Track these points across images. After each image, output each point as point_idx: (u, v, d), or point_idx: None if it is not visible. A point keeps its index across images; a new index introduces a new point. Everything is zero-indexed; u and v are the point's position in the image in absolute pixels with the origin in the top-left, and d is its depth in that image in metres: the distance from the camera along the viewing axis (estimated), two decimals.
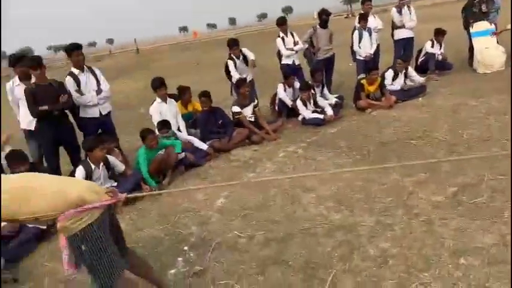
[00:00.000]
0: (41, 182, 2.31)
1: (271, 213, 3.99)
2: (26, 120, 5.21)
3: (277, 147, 5.92)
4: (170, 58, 27.54)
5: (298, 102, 6.84)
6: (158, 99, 5.90)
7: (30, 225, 3.98)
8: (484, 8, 8.33)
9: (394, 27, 8.69)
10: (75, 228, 2.21)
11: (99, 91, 5.36)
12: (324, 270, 3.00)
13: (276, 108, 7.48)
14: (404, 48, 8.54)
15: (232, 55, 7.08)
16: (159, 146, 5.29)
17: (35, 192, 2.19)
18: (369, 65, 7.51)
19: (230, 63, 7.07)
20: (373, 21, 8.30)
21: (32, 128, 5.20)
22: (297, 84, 7.43)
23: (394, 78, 7.42)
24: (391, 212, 3.66)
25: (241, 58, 7.10)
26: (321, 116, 6.66)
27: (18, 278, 3.47)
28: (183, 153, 5.56)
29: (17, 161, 4.30)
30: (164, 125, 5.68)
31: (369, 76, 7.07)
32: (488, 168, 4.14)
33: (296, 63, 7.87)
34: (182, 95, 6.49)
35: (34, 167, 4.55)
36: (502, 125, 5.24)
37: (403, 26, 8.51)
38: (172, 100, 6.10)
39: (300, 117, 6.89)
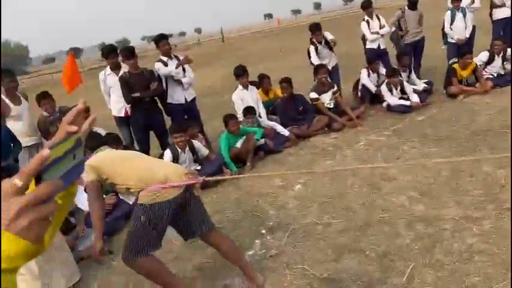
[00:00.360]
0: (137, 158, 2.70)
1: (349, 201, 3.93)
2: (117, 108, 5.63)
3: (358, 135, 5.78)
4: (254, 45, 27.92)
5: (383, 88, 6.58)
6: (240, 87, 6.05)
7: (123, 203, 4.36)
8: None
9: (493, 5, 7.93)
10: (149, 200, 2.48)
11: (183, 61, 5.63)
12: (402, 262, 2.90)
13: (359, 94, 7.27)
14: (504, 30, 7.76)
15: (314, 40, 6.98)
16: (240, 132, 5.44)
17: (131, 166, 2.58)
18: (462, 49, 6.97)
19: (311, 48, 7.00)
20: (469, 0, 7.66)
21: (122, 114, 5.62)
22: (382, 70, 7.16)
23: (489, 62, 6.81)
24: (480, 206, 3.42)
25: (323, 43, 6.98)
26: (407, 103, 6.35)
27: (112, 251, 3.82)
28: (263, 139, 5.66)
29: (112, 143, 4.69)
30: (249, 111, 5.82)
31: (462, 60, 6.57)
32: None
33: (381, 48, 7.56)
34: (261, 82, 6.59)
35: (128, 150, 4.96)
36: None
37: (503, 5, 7.73)
38: (254, 87, 6.22)
39: (384, 104, 6.63)
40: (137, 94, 5.19)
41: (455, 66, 6.61)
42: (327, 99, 6.43)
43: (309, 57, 7.12)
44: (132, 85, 5.19)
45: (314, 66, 6.63)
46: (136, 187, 2.54)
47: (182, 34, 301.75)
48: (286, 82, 6.35)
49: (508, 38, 7.62)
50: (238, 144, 5.40)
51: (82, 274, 3.46)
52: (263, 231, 3.70)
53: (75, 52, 10.66)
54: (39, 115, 5.28)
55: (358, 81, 7.30)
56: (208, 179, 3.07)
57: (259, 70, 7.32)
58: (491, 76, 6.73)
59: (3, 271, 0.63)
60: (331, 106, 6.44)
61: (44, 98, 5.06)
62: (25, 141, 4.73)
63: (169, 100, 5.69)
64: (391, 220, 3.47)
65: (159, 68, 5.54)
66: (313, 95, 6.37)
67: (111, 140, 4.69)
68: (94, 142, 3.30)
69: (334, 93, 6.47)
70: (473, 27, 7.59)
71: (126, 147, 4.98)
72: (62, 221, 1.09)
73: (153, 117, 5.41)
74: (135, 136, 5.53)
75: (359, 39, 8.14)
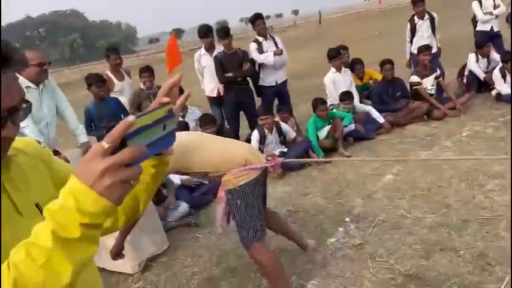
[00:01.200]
0: (213, 142, 2.64)
1: (444, 196, 3.64)
2: (209, 88, 5.76)
3: (460, 125, 5.32)
4: (352, 27, 27.00)
5: (496, 73, 5.92)
6: (333, 69, 5.87)
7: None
8: None
9: None
10: (235, 183, 2.46)
11: (278, 51, 5.60)
12: (501, 268, 2.62)
13: (465, 81, 6.66)
14: None
15: (415, 16, 6.45)
16: (328, 116, 5.30)
17: (208, 150, 2.55)
18: None
19: (408, 27, 6.49)
20: None
21: (214, 94, 5.75)
22: (494, 55, 6.46)
23: None
24: None
25: (426, 18, 6.41)
26: None
27: (199, 224, 3.98)
28: (353, 125, 5.46)
29: (207, 124, 4.85)
30: (347, 95, 5.63)
31: None
32: None
33: (495, 30, 6.84)
34: (353, 68, 6.31)
35: (221, 130, 5.09)
36: None
37: None
38: (347, 70, 5.99)
39: (493, 92, 6.00)
40: (230, 74, 5.28)
41: None
42: (428, 84, 5.99)
43: (412, 36, 6.57)
44: (226, 65, 5.29)
45: (418, 47, 6.14)
46: (213, 173, 2.52)
47: (279, 16, 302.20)
48: (389, 63, 6.00)
49: None
50: (325, 130, 5.26)
51: (170, 243, 3.65)
52: (347, 219, 3.59)
53: (177, 33, 11.17)
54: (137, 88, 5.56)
55: (464, 66, 6.69)
56: (287, 160, 3.04)
57: (354, 53, 6.99)
58: None
59: (87, 226, 0.69)
60: (432, 92, 5.99)
61: (145, 71, 5.29)
62: None
63: (260, 82, 5.72)
64: (492, 220, 3.15)
65: (253, 51, 5.55)
66: (415, 78, 5.97)
67: (206, 121, 4.85)
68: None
69: (436, 78, 6.00)
70: None
71: (220, 127, 5.10)
72: (155, 191, 1.14)
73: (244, 97, 5.49)
74: (226, 116, 5.65)
75: (465, 21, 7.42)
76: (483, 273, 2.61)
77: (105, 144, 0.66)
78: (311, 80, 9.99)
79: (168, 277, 3.22)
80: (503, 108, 5.56)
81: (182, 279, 3.15)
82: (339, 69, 5.86)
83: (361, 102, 6.05)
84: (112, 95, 5.21)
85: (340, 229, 3.46)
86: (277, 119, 5.49)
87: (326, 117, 5.26)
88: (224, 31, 5.33)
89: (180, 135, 2.82)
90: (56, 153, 3.59)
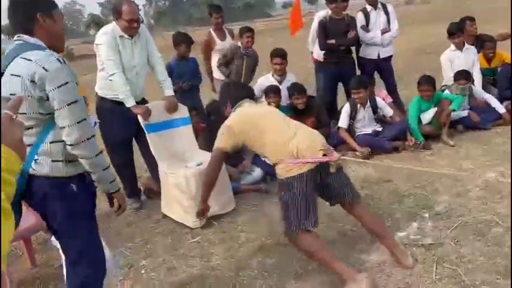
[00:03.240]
0: (272, 124, 2.60)
1: None
2: (319, 51, 5.33)
3: None
4: (493, 2, 23.51)
5: None
6: (452, 46, 5.16)
7: None
8: None
9: None
10: (283, 175, 2.44)
11: (385, 30, 5.12)
12: None
13: None
14: None
15: None
16: (435, 98, 4.72)
17: (265, 133, 2.55)
18: None
19: None
20: None
21: (321, 59, 5.40)
22: None
23: None
24: None
25: None
26: None
27: (269, 191, 3.88)
28: (466, 111, 4.80)
29: (297, 93, 4.69)
30: (461, 75, 4.93)
31: None
32: None
33: None
34: (482, 46, 5.42)
35: (312, 100, 4.88)
36: None
37: None
38: (472, 48, 5.20)
39: None
40: (332, 41, 4.97)
41: None
42: None
43: None
44: (330, 31, 4.99)
45: None
46: (270, 158, 2.55)
47: None
48: None
49: None
50: (430, 113, 4.70)
51: (236, 206, 3.67)
52: (426, 215, 3.19)
53: None
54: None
55: None
56: (344, 157, 2.83)
57: (493, 30, 6.00)
58: None
59: None
60: None
61: (247, 31, 5.10)
62: (218, 74, 5.18)
63: (361, 54, 5.29)
64: None
65: (359, 26, 5.13)
66: None
67: (295, 91, 4.68)
68: (236, 93, 2.95)
69: None
70: None
71: (311, 97, 4.89)
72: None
73: (345, 68, 5.13)
74: (323, 84, 5.36)
75: None
76: None
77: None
78: (434, 57, 8.98)
79: (223, 238, 3.25)
80: None
81: (235, 243, 3.16)
82: (459, 47, 5.13)
83: (484, 88, 5.24)
84: (213, 54, 5.30)
85: (415, 224, 3.10)
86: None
87: (430, 98, 4.69)
88: None
89: (251, 107, 2.83)
90: (144, 101, 3.79)
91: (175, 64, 4.72)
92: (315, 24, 5.40)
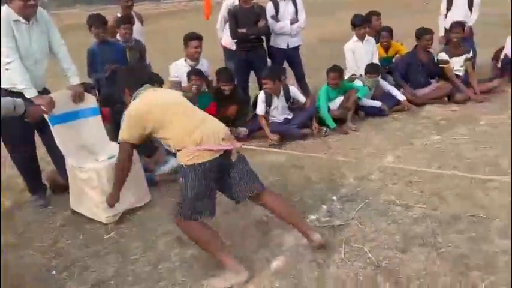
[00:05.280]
0: (177, 109, 2.57)
1: (442, 187, 3.41)
2: (230, 40, 5.39)
3: (481, 112, 4.97)
4: None
5: None
6: (354, 37, 5.50)
7: None
8: None
9: None
10: (186, 161, 2.42)
11: (294, 20, 5.29)
12: (479, 273, 2.43)
13: (499, 64, 6.18)
14: None
15: None
16: (342, 87, 5.03)
17: (171, 119, 2.51)
18: None
19: (444, 0, 5.98)
20: None
21: (233, 48, 5.46)
22: None
23: None
24: None
25: None
26: None
27: None
28: (376, 101, 5.21)
29: (225, 80, 4.71)
30: (373, 68, 5.28)
31: None
32: None
33: None
34: (379, 36, 5.88)
35: (236, 88, 4.94)
36: None
37: None
38: (371, 39, 5.59)
39: None
40: (243, 30, 5.02)
41: None
42: (457, 64, 5.58)
43: (447, 11, 6.05)
44: (240, 20, 5.03)
45: (451, 24, 5.66)
46: (173, 147, 2.51)
47: None
48: (429, 33, 5.53)
49: None
50: (338, 101, 5.01)
51: (152, 198, 3.60)
52: (334, 198, 3.43)
53: None
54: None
55: (501, 49, 6.18)
56: (246, 146, 2.92)
57: (393, 23, 6.48)
58: None
59: None
60: (460, 74, 5.59)
61: (125, 22, 4.74)
62: None
63: (271, 43, 5.43)
64: (486, 221, 2.93)
65: (269, 15, 5.22)
66: (444, 56, 5.56)
67: (223, 76, 4.72)
68: (133, 78, 2.84)
69: (467, 60, 5.57)
70: None
71: (235, 86, 4.92)
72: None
73: (256, 56, 5.23)
74: (235, 73, 5.43)
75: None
76: (458, 275, 2.43)
77: None
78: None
79: (139, 232, 3.18)
80: None
81: (152, 235, 3.11)
82: (361, 38, 5.49)
83: (382, 76, 5.68)
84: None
85: (324, 207, 3.31)
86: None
87: (336, 87, 4.98)
88: None
89: (155, 91, 2.76)
90: (46, 91, 3.52)
91: (96, 48, 4.42)
92: (223, 11, 5.44)
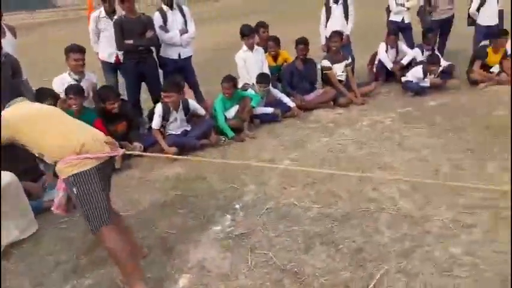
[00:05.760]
0: (51, 125, 2.38)
1: (336, 186, 3.63)
2: (107, 52, 5.24)
3: (363, 114, 5.40)
4: (281, 4, 26.77)
5: (418, 71, 6.01)
6: (244, 47, 5.63)
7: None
8: None
9: None
10: (69, 172, 2.27)
11: (183, 31, 5.25)
12: (374, 264, 2.63)
13: (374, 69, 6.81)
14: None
15: (330, 0, 6.38)
16: (237, 96, 5.11)
17: (44, 130, 2.32)
18: (493, 31, 6.31)
19: (323, 10, 6.43)
20: None
21: (112, 60, 5.26)
22: (402, 46, 6.65)
23: None
24: (474, 211, 3.09)
25: (340, 2, 6.33)
26: (427, 84, 5.90)
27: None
28: (271, 108, 5.35)
29: (111, 99, 4.46)
30: (264, 78, 5.41)
31: (496, 41, 5.92)
32: None
33: (406, 21, 7.00)
34: (267, 45, 6.11)
35: (124, 103, 4.72)
36: None
37: None
38: (260, 49, 5.77)
39: (403, 79, 6.11)
40: (130, 41, 4.84)
41: (489, 49, 6.02)
42: (338, 70, 6.00)
43: (327, 20, 6.50)
44: (127, 31, 4.83)
45: (330, 34, 6.09)
46: (50, 158, 2.32)
47: None
48: (303, 43, 5.85)
49: None
50: (233, 110, 5.07)
51: (40, 227, 3.27)
52: (237, 206, 3.45)
53: None
54: None
55: (375, 54, 6.81)
56: (130, 152, 2.85)
57: (280, 33, 6.75)
58: None
59: None
60: (342, 79, 6.02)
61: None
62: None
63: (162, 53, 5.32)
64: (375, 214, 3.18)
65: (157, 26, 5.11)
66: (326, 63, 5.94)
67: (108, 95, 4.47)
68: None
69: (347, 65, 6.03)
70: (501, 11, 6.83)
71: (123, 100, 4.71)
72: None
73: (146, 67, 5.07)
74: (126, 85, 5.22)
75: (383, 9, 7.52)
76: (357, 271, 2.60)
77: None
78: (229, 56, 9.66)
79: (27, 266, 2.87)
80: (403, 100, 5.75)
81: (43, 269, 2.82)
82: (251, 48, 5.63)
83: (272, 84, 5.90)
84: None
85: (228, 216, 3.32)
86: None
87: (231, 96, 5.05)
88: None
89: (28, 104, 2.54)
90: None
91: None
92: (91, 25, 5.26)
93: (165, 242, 3.04)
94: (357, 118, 5.25)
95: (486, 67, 6.03)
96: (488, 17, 6.69)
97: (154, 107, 4.87)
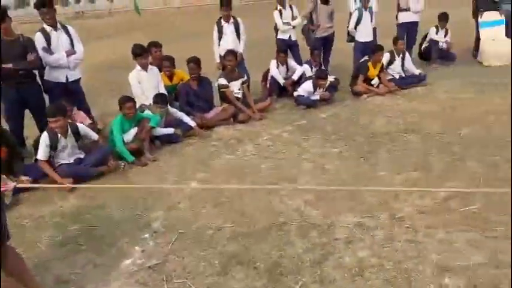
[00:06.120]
0: None
1: (245, 203, 3.66)
2: None
3: (262, 129, 5.55)
4: (172, 22, 26.52)
5: (308, 86, 6.33)
6: (138, 67, 5.44)
7: None
8: None
9: (399, 9, 8.14)
10: None
11: (70, 52, 4.91)
12: (292, 277, 2.69)
13: (267, 85, 7.06)
14: (407, 33, 8.00)
15: (222, 19, 6.52)
16: (136, 117, 4.89)
17: None
18: (369, 47, 6.99)
19: (215, 29, 6.56)
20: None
21: None
22: (291, 62, 7.02)
23: (390, 63, 6.94)
24: (374, 214, 3.34)
25: (231, 22, 6.49)
26: (317, 97, 6.28)
27: None
28: (171, 129, 5.21)
29: None
30: (161, 97, 5.23)
31: (374, 56, 6.54)
32: (485, 173, 3.84)
33: (293, 39, 7.41)
34: (161, 65, 6.00)
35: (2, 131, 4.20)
36: (503, 124, 4.91)
37: (408, 9, 7.95)
38: (154, 68, 5.63)
39: (295, 94, 6.44)
40: (9, 65, 4.38)
41: (369, 63, 6.62)
42: (235, 88, 6.11)
43: (219, 39, 6.63)
44: (3, 54, 4.36)
45: (224, 52, 6.19)
46: None
47: (91, 1, 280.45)
48: (194, 62, 5.84)
49: (410, 41, 7.92)
50: (132, 133, 4.84)
51: None
52: (146, 236, 3.28)
53: None
54: None
55: (267, 71, 7.08)
56: (22, 185, 2.63)
57: (172, 51, 6.64)
58: (392, 77, 6.90)
59: None
60: (239, 96, 6.13)
61: None
62: None
63: (46, 77, 4.91)
64: (286, 226, 3.27)
65: (40, 48, 4.73)
66: (223, 81, 6.00)
67: None
68: None
69: (243, 83, 6.16)
70: (375, 29, 7.64)
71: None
72: None
73: (29, 93, 4.63)
74: (7, 113, 4.70)
75: (272, 28, 7.86)
76: (276, 285, 2.63)
77: None
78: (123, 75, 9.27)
79: None
80: (297, 114, 6.05)
81: None
82: (144, 68, 5.47)
83: (170, 104, 5.78)
84: None
85: (137, 248, 3.13)
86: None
87: (133, 117, 4.83)
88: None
89: None
90: None
91: None
92: None
93: (69, 286, 2.76)
94: (257, 133, 5.38)
95: (367, 80, 6.64)
96: (364, 34, 7.43)
97: (40, 136, 4.44)
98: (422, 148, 4.52)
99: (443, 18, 8.12)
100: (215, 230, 3.29)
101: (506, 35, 7.89)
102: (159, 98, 5.24)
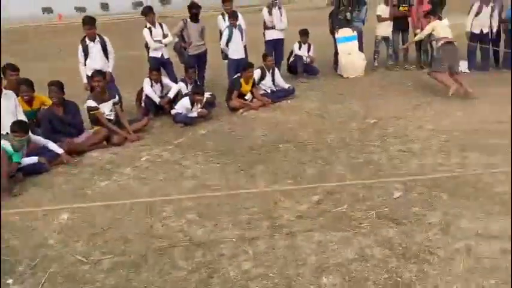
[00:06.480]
0: None
1: (124, 230, 3.46)
2: None
3: (140, 150, 5.36)
4: (35, 41, 24.37)
5: (186, 101, 6.28)
6: None
7: None
8: (348, 16, 8.76)
9: (265, 27, 8.61)
10: None
11: None
12: None
13: (143, 104, 6.87)
14: (275, 50, 8.48)
15: (86, 37, 6.19)
16: None
17: None
18: (241, 64, 7.25)
19: (80, 48, 6.22)
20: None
21: None
22: (166, 80, 6.94)
23: (262, 79, 7.29)
24: (255, 225, 3.42)
25: (97, 41, 6.27)
26: (195, 114, 6.28)
27: None
28: (35, 157, 4.72)
29: None
30: (19, 125, 4.66)
31: (245, 73, 6.79)
32: (349, 174, 4.20)
33: (165, 57, 7.35)
34: (18, 89, 5.45)
35: None
36: (362, 129, 5.46)
37: (273, 27, 8.45)
38: (10, 93, 5.07)
39: (173, 112, 6.35)
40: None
41: (242, 80, 6.82)
42: (106, 109, 5.80)
43: (85, 58, 6.29)
44: None
45: (92, 73, 5.88)
46: None
47: None
48: (56, 85, 5.38)
49: (278, 57, 8.41)
50: None
51: None
52: (9, 282, 2.90)
53: None
54: None
55: (141, 90, 6.89)
56: None
57: (27, 73, 6.07)
58: (264, 91, 7.23)
59: None
60: (112, 118, 5.84)
61: None
62: None
63: None
64: (169, 249, 3.17)
65: None
66: (91, 103, 5.65)
67: None
68: None
69: (115, 103, 5.89)
70: (245, 46, 7.94)
71: None
72: None
73: None
74: None
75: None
76: None
77: None
78: None
79: None
80: (176, 132, 5.97)
81: None
82: None
83: (32, 131, 5.24)
84: None
85: None
86: None
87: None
88: None
89: None
90: None
91: None
92: None
93: None
94: (134, 155, 5.17)
95: (241, 95, 6.85)
96: (236, 51, 7.68)
97: None
98: (297, 157, 4.79)
99: (303, 33, 8.79)
100: (92, 264, 3.04)
101: (360, 49, 8.85)
102: (17, 126, 4.70)
